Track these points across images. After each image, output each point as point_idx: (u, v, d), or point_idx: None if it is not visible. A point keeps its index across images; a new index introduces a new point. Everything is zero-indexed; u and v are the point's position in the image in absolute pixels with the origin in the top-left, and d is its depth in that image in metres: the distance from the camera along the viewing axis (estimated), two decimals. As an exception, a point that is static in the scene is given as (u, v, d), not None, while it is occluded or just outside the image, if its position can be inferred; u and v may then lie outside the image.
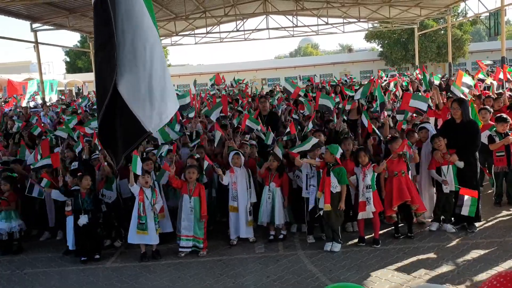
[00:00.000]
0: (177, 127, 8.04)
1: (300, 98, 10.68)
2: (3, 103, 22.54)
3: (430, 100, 8.26)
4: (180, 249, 6.38)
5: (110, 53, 3.01)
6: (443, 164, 6.51)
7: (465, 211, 6.34)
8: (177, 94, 7.11)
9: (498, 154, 7.41)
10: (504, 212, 7.25)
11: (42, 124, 10.90)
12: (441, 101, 9.04)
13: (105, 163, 6.93)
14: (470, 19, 35.46)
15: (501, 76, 11.48)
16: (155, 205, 6.29)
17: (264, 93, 18.01)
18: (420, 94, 9.26)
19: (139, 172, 6.22)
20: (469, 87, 9.39)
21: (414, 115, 8.01)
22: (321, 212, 6.10)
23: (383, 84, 14.79)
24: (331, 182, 6.04)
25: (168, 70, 3.16)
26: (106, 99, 3.05)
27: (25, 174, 7.60)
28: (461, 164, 6.46)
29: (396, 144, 6.43)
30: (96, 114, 8.21)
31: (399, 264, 5.63)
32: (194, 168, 6.45)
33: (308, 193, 6.49)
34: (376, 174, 6.28)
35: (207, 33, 30.21)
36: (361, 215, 6.21)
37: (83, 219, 6.30)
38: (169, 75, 3.19)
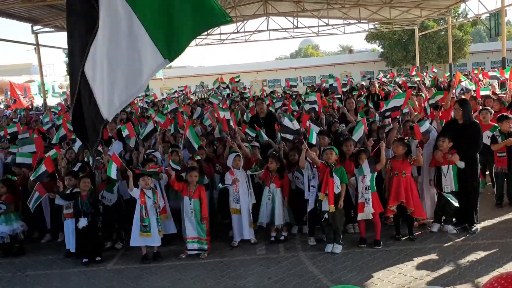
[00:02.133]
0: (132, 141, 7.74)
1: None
2: (6, 106, 22.57)
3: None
4: (188, 252, 6.38)
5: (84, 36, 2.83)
6: (444, 164, 6.51)
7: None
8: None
9: (499, 155, 7.42)
10: (505, 214, 7.24)
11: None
12: (449, 102, 9.01)
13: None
14: (471, 20, 35.46)
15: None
16: (158, 202, 6.31)
17: (265, 94, 18.02)
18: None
19: (114, 176, 6.23)
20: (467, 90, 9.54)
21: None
22: (326, 215, 6.09)
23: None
24: (334, 183, 6.04)
25: (143, 48, 2.82)
26: (76, 88, 2.90)
27: (27, 175, 7.59)
28: (461, 164, 6.45)
29: (396, 147, 6.42)
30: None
31: (401, 266, 5.63)
32: (195, 170, 6.45)
33: (309, 194, 6.49)
34: (375, 174, 6.28)
35: (208, 34, 30.16)
36: (360, 216, 6.22)
37: (83, 222, 6.31)
38: (145, 54, 2.84)
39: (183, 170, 6.79)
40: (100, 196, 6.75)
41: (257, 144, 7.71)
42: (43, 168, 6.69)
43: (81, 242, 6.45)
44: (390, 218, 6.47)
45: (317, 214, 6.33)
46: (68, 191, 6.56)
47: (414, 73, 18.04)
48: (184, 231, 6.41)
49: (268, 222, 6.74)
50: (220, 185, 6.87)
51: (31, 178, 6.83)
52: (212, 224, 7.29)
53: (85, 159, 7.74)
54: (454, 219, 6.72)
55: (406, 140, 6.72)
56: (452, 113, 7.19)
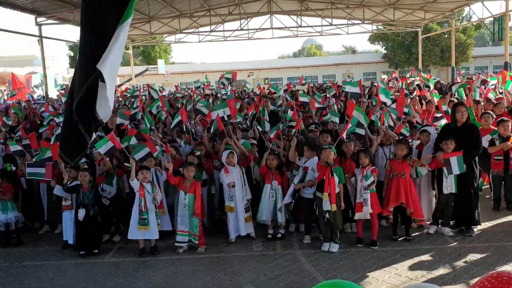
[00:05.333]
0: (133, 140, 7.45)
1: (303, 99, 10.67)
2: (7, 96, 22.57)
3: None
4: (176, 244, 6.40)
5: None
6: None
7: (456, 171, 6.29)
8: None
9: (496, 158, 7.45)
10: (503, 217, 7.26)
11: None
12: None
13: (107, 159, 6.95)
14: (474, 23, 35.41)
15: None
16: (156, 196, 6.33)
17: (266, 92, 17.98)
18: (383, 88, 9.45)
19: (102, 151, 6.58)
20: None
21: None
22: (327, 215, 6.11)
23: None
24: (335, 183, 6.06)
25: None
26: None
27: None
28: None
29: (398, 149, 6.43)
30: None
31: (396, 266, 5.65)
32: (192, 166, 6.47)
33: (308, 193, 6.52)
34: (374, 174, 6.29)
35: (211, 31, 30.20)
36: (358, 216, 6.24)
37: (81, 213, 6.33)
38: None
39: (181, 164, 6.81)
40: (100, 189, 6.77)
41: (255, 142, 7.73)
42: (48, 153, 6.82)
43: (79, 234, 6.48)
44: (390, 218, 6.48)
45: (312, 213, 6.35)
46: (68, 183, 6.59)
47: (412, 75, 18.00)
48: (176, 224, 6.47)
49: (270, 220, 6.76)
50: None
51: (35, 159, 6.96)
52: (211, 220, 7.33)
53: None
54: (451, 222, 6.74)
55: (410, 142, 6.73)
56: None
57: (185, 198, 6.38)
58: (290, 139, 7.27)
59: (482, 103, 9.72)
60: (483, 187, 8.25)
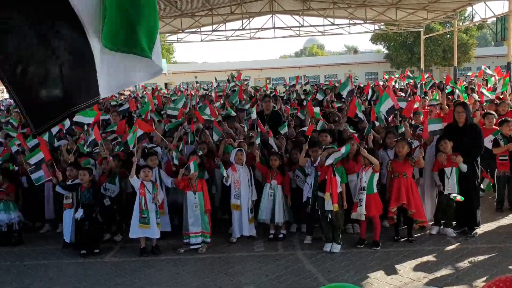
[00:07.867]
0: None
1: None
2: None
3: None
4: (191, 247, 6.36)
5: None
6: (447, 166, 6.47)
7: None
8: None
9: (501, 158, 7.40)
10: (506, 218, 7.22)
11: None
12: (445, 104, 9.05)
13: (111, 158, 6.91)
14: (477, 23, 35.36)
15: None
16: (157, 196, 6.30)
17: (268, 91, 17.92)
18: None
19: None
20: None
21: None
22: (330, 215, 6.07)
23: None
24: (337, 182, 6.03)
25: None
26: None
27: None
28: (464, 167, 6.42)
29: (402, 147, 6.39)
30: None
31: (398, 267, 5.61)
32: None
33: (305, 190, 6.51)
34: (375, 175, 6.25)
35: (213, 31, 30.17)
36: (353, 215, 6.25)
37: (79, 213, 6.31)
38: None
39: (184, 164, 6.76)
40: (103, 189, 6.74)
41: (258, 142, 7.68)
42: (40, 155, 6.70)
43: (78, 233, 6.45)
44: (394, 218, 6.43)
45: (315, 213, 6.32)
46: (69, 182, 6.56)
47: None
48: (187, 227, 6.38)
49: (269, 219, 6.73)
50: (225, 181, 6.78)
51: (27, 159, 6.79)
52: (212, 220, 7.29)
53: (86, 149, 7.72)
54: (453, 223, 6.70)
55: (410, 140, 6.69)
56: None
57: (195, 198, 6.35)
58: (294, 140, 7.25)
59: (479, 103, 9.70)
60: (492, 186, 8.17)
